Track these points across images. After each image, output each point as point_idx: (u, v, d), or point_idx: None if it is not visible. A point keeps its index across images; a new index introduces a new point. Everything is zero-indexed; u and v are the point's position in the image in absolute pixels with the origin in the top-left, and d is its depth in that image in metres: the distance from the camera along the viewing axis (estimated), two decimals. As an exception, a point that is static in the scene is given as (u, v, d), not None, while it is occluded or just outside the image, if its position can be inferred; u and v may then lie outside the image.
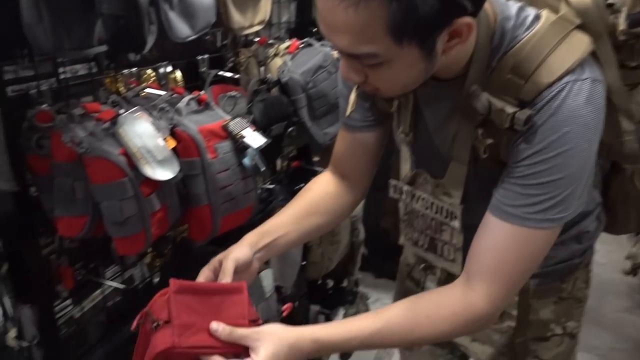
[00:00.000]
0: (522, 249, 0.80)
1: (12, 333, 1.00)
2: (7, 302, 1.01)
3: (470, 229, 0.87)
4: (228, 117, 1.27)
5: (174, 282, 0.78)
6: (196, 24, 1.25)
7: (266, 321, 0.85)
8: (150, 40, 0.99)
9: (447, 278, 0.99)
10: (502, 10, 0.78)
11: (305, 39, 1.74)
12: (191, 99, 1.24)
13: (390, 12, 0.64)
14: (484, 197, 0.83)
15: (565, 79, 0.73)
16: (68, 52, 0.94)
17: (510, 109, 0.74)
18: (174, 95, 1.26)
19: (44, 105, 1.05)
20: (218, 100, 1.49)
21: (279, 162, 1.92)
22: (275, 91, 1.62)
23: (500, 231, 0.80)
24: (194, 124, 1.17)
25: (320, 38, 2.06)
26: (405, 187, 0.97)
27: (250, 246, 0.93)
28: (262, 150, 1.34)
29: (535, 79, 0.74)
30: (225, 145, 1.22)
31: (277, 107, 1.56)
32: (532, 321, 1.06)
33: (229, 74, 1.57)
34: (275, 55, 1.70)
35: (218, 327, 0.78)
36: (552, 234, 0.81)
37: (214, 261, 0.91)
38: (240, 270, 0.90)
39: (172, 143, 1.11)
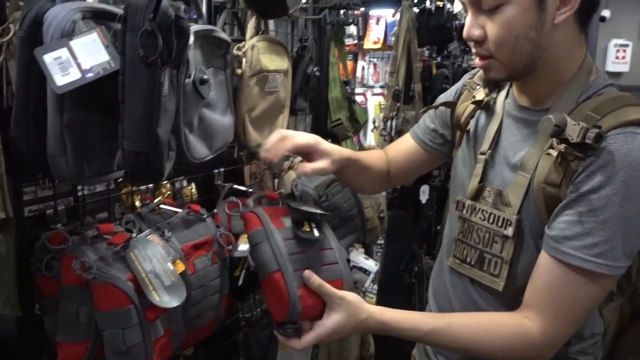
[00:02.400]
0: (581, 290, 0.87)
1: None
2: None
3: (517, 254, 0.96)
4: (216, 232, 1.28)
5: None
6: (214, 145, 1.29)
7: None
8: (168, 167, 1.01)
9: None
10: (601, 72, 0.95)
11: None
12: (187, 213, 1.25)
13: None
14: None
15: (637, 129, 0.84)
16: (88, 179, 0.96)
17: (584, 125, 0.83)
18: (190, 213, 1.27)
19: (58, 225, 1.06)
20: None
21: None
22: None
23: (560, 271, 0.87)
24: (179, 241, 1.17)
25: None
26: (468, 202, 1.04)
27: (344, 161, 1.13)
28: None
29: (609, 116, 0.85)
30: (204, 260, 1.21)
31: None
32: None
33: (243, 187, 1.60)
34: (290, 168, 1.73)
35: (311, 276, 0.94)
36: (611, 282, 0.87)
37: (316, 146, 1.09)
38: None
39: (182, 267, 1.10)
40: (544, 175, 0.90)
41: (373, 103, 3.43)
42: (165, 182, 1.40)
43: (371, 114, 3.38)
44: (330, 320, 0.94)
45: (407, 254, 2.88)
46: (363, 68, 3.57)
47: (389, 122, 2.70)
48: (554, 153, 0.88)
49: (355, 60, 3.59)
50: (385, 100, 2.76)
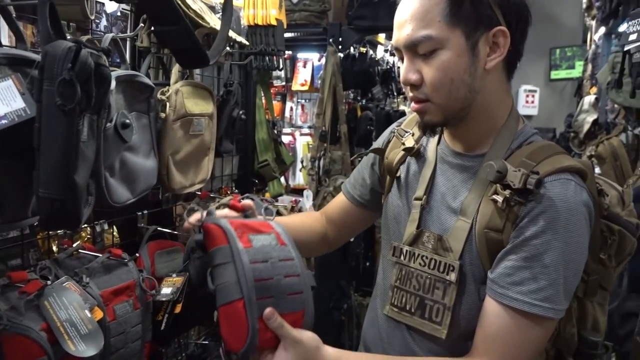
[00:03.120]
0: (527, 334, 0.89)
1: None
2: None
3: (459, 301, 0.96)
4: (138, 277, 1.26)
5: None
6: (137, 188, 1.28)
7: None
8: (86, 213, 1.00)
9: None
10: (528, 123, 1.02)
11: (246, 194, 1.79)
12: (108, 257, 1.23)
13: (446, 2, 0.89)
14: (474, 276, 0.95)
15: (570, 176, 0.89)
16: (0, 226, 0.93)
17: (525, 171, 0.87)
18: (111, 257, 1.25)
19: (-35, 275, 1.02)
20: (155, 256, 1.48)
21: (215, 315, 1.87)
22: (213, 245, 1.64)
23: (507, 316, 0.89)
24: (98, 287, 1.14)
25: (259, 190, 2.14)
26: (406, 248, 1.04)
27: None
28: (199, 306, 1.32)
29: (544, 163, 0.90)
30: (125, 306, 1.20)
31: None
32: None
33: (168, 230, 1.58)
34: (217, 208, 1.73)
35: (271, 316, 0.86)
36: (554, 324, 0.91)
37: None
38: None
39: (99, 314, 1.08)
40: (486, 221, 0.92)
41: (301, 143, 3.50)
42: (85, 226, 1.37)
43: (300, 154, 3.45)
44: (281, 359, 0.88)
45: (336, 292, 2.91)
46: (291, 109, 3.65)
47: (316, 161, 2.77)
48: (500, 199, 0.89)
49: (283, 101, 3.68)
50: (313, 140, 2.84)
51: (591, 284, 1.00)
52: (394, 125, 1.21)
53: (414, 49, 0.92)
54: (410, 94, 0.97)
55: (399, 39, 0.94)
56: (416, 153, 1.10)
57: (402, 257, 1.04)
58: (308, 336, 0.88)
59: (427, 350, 1.01)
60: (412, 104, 0.98)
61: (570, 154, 0.97)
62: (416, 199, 1.05)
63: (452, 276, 0.95)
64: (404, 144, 1.11)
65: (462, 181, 1.00)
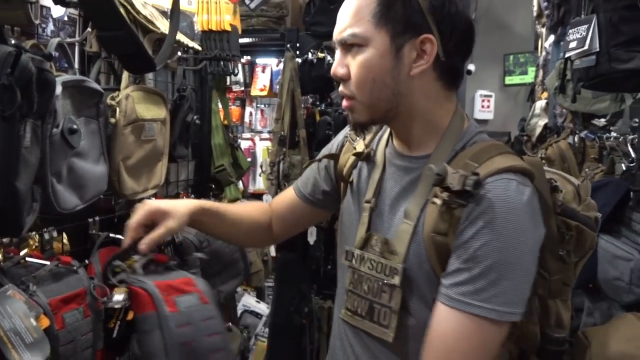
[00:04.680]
0: (474, 339, 0.86)
1: None
2: None
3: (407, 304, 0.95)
4: (89, 284, 1.24)
5: None
6: (85, 194, 1.27)
7: None
8: (30, 220, 0.99)
9: None
10: (472, 119, 1.02)
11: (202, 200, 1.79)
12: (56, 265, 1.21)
13: (377, 3, 0.92)
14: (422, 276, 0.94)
15: (512, 175, 0.88)
16: (-63, 235, 0.91)
17: (463, 172, 0.86)
18: (60, 265, 1.22)
19: None
20: (106, 265, 1.46)
21: None
22: (168, 251, 1.63)
23: (451, 320, 0.87)
24: (46, 295, 1.12)
25: (215, 195, 2.14)
26: (357, 252, 1.02)
27: (190, 221, 1.16)
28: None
29: (486, 164, 0.90)
30: (75, 314, 1.18)
31: (168, 270, 1.55)
32: None
33: (121, 236, 1.56)
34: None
35: None
36: (503, 328, 0.87)
37: (155, 211, 1.13)
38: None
39: (46, 322, 1.06)
40: (432, 224, 0.91)
41: (261, 148, 3.50)
42: (33, 233, 1.34)
43: (259, 159, 3.45)
44: None
45: (297, 296, 2.91)
46: (251, 114, 3.65)
47: (275, 166, 2.78)
48: (439, 202, 0.89)
49: (243, 106, 3.67)
50: (272, 145, 2.85)
51: (555, 284, 0.99)
52: (347, 129, 1.21)
53: (344, 44, 0.96)
54: (340, 89, 1.00)
55: (334, 34, 0.98)
56: (367, 157, 1.10)
57: (354, 261, 1.03)
58: None
59: (381, 353, 1.00)
60: (343, 102, 1.00)
61: (522, 156, 0.98)
62: (366, 202, 1.05)
63: (397, 279, 0.94)
64: (355, 148, 1.12)
65: (408, 183, 1.00)
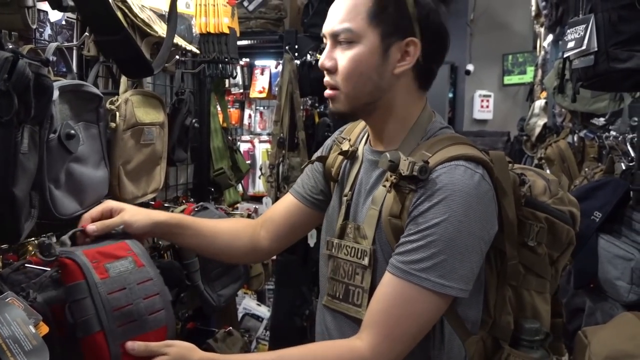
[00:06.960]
0: (407, 306, 0.94)
1: None
2: None
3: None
4: None
5: None
6: (85, 199, 1.26)
7: None
8: (28, 227, 0.98)
9: None
10: (439, 117, 1.10)
11: (201, 203, 1.79)
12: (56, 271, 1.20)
13: (372, 2, 0.98)
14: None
15: (461, 162, 0.95)
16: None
17: (412, 159, 0.95)
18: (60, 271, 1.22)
19: None
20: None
21: (172, 325, 1.85)
22: (168, 255, 1.63)
23: (390, 286, 0.95)
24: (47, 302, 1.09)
25: (215, 199, 2.13)
26: (335, 240, 1.10)
27: (153, 226, 1.15)
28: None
29: (438, 154, 0.97)
30: None
31: (168, 274, 1.55)
32: None
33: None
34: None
35: (133, 347, 0.93)
36: (437, 301, 0.94)
37: (117, 208, 1.13)
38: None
39: (45, 329, 1.05)
40: (388, 209, 1.00)
41: (260, 150, 3.50)
42: (33, 239, 1.34)
43: (259, 161, 3.45)
44: None
45: (298, 298, 2.91)
46: (250, 116, 3.65)
47: (275, 168, 2.78)
48: (387, 184, 0.98)
49: (242, 109, 3.67)
50: (271, 147, 2.85)
51: (511, 269, 1.04)
52: (336, 134, 1.27)
53: (335, 38, 1.02)
54: (326, 78, 1.05)
55: (326, 27, 1.04)
56: (351, 156, 1.17)
57: (333, 250, 1.10)
58: (179, 341, 0.97)
59: (353, 333, 1.03)
60: (327, 91, 1.06)
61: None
62: (344, 195, 1.13)
63: (366, 260, 1.02)
64: (341, 149, 1.18)
65: (378, 175, 1.07)
